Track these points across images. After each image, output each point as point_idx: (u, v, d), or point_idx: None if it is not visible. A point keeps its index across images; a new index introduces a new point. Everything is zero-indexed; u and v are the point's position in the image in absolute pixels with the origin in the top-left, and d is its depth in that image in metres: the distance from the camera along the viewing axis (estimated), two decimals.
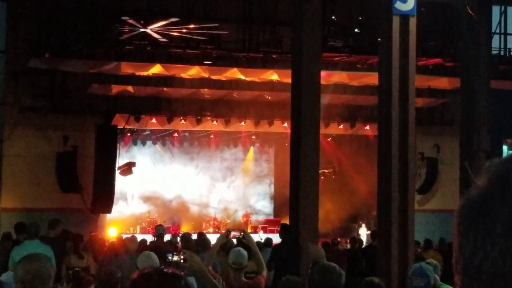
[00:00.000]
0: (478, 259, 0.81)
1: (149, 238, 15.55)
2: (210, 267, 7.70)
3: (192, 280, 5.88)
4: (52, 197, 18.78)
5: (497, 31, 22.68)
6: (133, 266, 8.40)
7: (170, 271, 3.54)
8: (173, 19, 18.74)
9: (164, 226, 17.66)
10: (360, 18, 19.34)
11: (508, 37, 23.58)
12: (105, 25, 18.72)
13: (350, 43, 19.54)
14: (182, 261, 6.89)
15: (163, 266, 6.86)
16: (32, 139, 19.35)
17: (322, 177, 18.13)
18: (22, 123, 19.44)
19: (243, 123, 20.71)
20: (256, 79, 19.46)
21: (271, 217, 22.88)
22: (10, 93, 19.83)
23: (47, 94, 19.41)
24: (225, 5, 20.27)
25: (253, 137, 22.90)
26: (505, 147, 23.79)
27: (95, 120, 19.37)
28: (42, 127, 19.34)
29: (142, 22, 18.61)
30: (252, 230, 20.48)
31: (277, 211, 22.97)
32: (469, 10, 16.91)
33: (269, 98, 19.53)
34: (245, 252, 8.19)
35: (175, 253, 7.18)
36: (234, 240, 11.78)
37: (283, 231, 14.26)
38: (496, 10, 21.51)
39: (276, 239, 15.86)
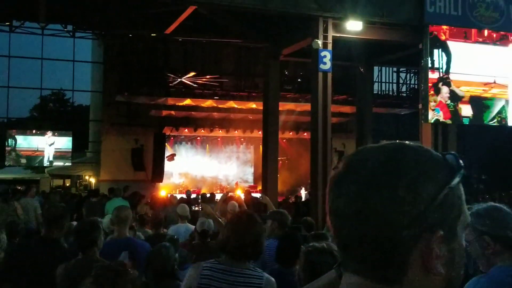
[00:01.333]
0: (335, 205, 0.83)
1: (184, 196, 15.52)
2: (217, 212, 7.71)
3: (210, 221, 5.86)
4: (128, 173, 18.72)
5: (377, 80, 22.88)
6: (174, 212, 8.39)
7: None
8: (198, 74, 18.80)
9: (191, 190, 17.72)
10: (301, 73, 19.38)
11: (382, 84, 23.77)
12: (158, 76, 18.69)
13: (296, 87, 19.60)
14: (200, 209, 6.94)
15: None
16: (118, 141, 19.27)
17: (280, 162, 18.12)
18: (112, 132, 19.37)
19: (236, 131, 20.71)
20: (243, 107, 19.46)
21: (252, 184, 22.80)
22: (105, 115, 19.79)
23: (126, 115, 19.35)
24: (227, 64, 20.26)
25: (242, 139, 22.79)
26: None
27: (153, 130, 19.33)
28: (123, 134, 19.27)
29: (179, 74, 18.63)
30: (242, 191, 20.43)
31: (255, 180, 22.87)
32: (360, 69, 16.99)
33: (251, 117, 19.49)
34: (236, 204, 8.23)
35: (196, 205, 7.24)
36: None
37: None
38: (376, 68, 21.68)
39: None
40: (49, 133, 19.79)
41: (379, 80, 23.43)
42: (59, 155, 19.97)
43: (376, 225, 0.78)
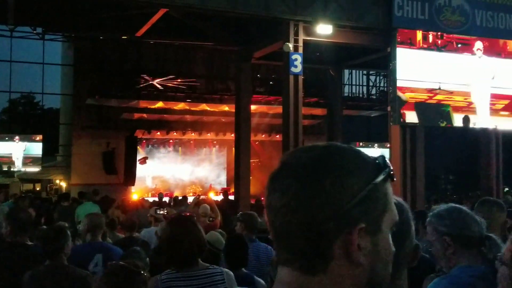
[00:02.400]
0: (269, 200, 0.88)
1: (156, 199, 15.34)
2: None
3: None
4: (100, 177, 18.37)
5: (347, 83, 23.10)
6: (146, 216, 8.31)
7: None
8: (170, 76, 18.64)
9: (163, 193, 17.55)
10: (273, 76, 19.41)
11: (352, 86, 24.00)
12: (130, 79, 18.46)
13: (268, 89, 19.60)
14: (166, 213, 6.88)
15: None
16: (89, 144, 18.94)
17: (253, 164, 18.04)
18: (83, 135, 19.05)
19: (209, 134, 20.58)
20: (216, 109, 19.38)
21: (225, 186, 22.69)
22: (76, 118, 19.44)
23: (97, 119, 19.04)
24: (199, 67, 20.14)
25: (215, 142, 22.65)
26: None
27: (125, 133, 19.02)
28: (94, 137, 18.95)
29: (151, 77, 18.45)
30: (215, 193, 20.35)
31: (228, 183, 22.76)
32: (331, 72, 17.16)
33: (224, 120, 19.41)
34: (208, 207, 8.17)
35: (160, 208, 7.16)
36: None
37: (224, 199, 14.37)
38: (346, 71, 21.89)
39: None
40: (17, 138, 19.30)
41: (350, 83, 23.66)
42: (28, 161, 19.51)
43: (304, 216, 0.83)
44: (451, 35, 13.14)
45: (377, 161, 0.90)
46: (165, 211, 7.09)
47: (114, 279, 2.21)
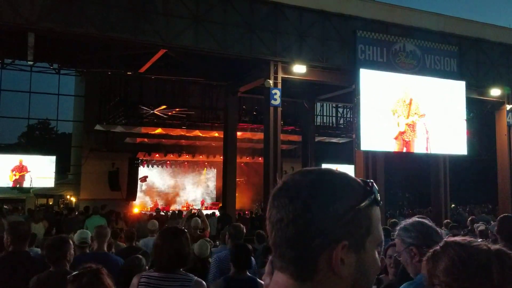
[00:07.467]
0: (269, 214, 0.88)
1: (153, 213, 15.10)
2: (182, 227, 7.53)
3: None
4: (105, 193, 18.12)
5: (318, 114, 23.29)
6: (145, 228, 8.20)
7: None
8: (168, 107, 18.58)
9: (160, 207, 17.33)
10: (256, 107, 19.49)
11: (323, 117, 24.21)
12: (133, 108, 18.37)
13: (252, 118, 19.64)
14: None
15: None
16: (96, 164, 18.74)
17: (239, 182, 17.96)
18: (91, 157, 18.85)
19: (201, 156, 20.52)
20: (207, 135, 19.34)
21: (214, 201, 22.51)
22: (85, 142, 19.24)
23: (104, 142, 18.87)
24: (193, 99, 20.13)
25: (206, 163, 22.56)
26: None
27: (128, 155, 18.88)
28: (101, 158, 18.76)
29: (152, 107, 18.36)
30: (204, 208, 20.14)
31: (217, 198, 22.59)
32: (305, 104, 17.28)
33: (214, 144, 19.38)
34: (199, 219, 8.07)
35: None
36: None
37: (222, 212, 14.17)
38: (318, 104, 22.08)
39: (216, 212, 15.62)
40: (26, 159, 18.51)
41: (321, 114, 23.88)
42: (40, 179, 19.01)
43: (293, 232, 0.83)
44: None
45: (366, 188, 0.88)
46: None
47: (79, 277, 2.34)
